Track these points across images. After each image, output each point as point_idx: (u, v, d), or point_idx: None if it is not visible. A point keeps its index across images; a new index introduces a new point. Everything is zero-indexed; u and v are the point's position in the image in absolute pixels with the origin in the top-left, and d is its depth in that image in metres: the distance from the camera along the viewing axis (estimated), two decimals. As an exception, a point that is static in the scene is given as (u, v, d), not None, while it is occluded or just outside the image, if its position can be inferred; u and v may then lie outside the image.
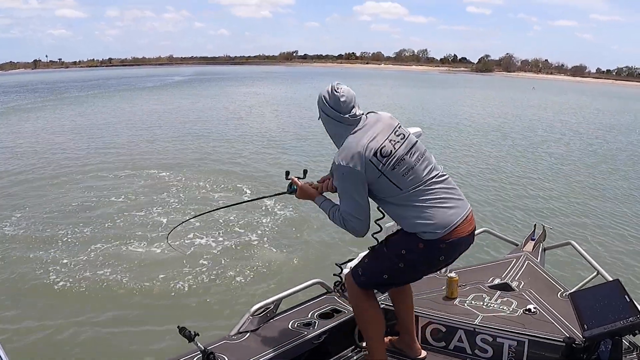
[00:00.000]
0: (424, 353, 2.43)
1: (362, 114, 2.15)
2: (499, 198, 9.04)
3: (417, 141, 2.18)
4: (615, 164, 12.61)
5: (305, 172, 2.46)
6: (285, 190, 2.43)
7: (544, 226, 4.03)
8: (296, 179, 2.37)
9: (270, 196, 2.71)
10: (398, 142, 2.11)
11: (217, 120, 19.54)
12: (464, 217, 2.13)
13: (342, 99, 2.10)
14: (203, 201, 7.96)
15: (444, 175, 2.18)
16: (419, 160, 2.12)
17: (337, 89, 2.11)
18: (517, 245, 3.90)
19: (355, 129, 2.11)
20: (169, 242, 4.67)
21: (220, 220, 6.86)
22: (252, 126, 18.15)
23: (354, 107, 2.13)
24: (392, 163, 2.06)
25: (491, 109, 27.48)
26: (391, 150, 2.07)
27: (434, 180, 2.12)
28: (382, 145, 2.07)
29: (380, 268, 2.23)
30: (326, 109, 2.13)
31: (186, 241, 6.16)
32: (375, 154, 2.05)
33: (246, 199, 3.02)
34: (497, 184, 10.10)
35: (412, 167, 2.09)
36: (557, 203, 8.72)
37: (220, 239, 6.35)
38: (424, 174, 2.11)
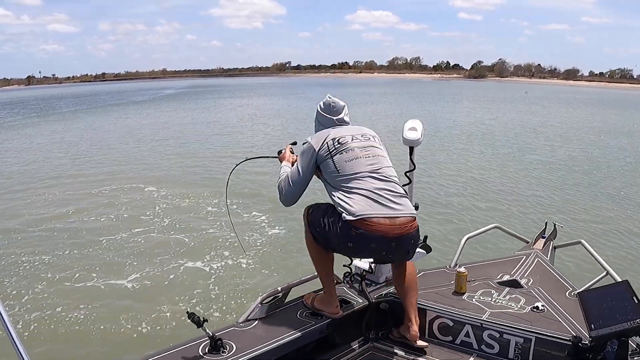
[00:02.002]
0: (422, 343, 2.44)
1: (348, 122, 2.52)
2: (512, 196, 9.03)
3: (377, 147, 2.43)
4: (629, 165, 12.47)
5: (294, 143, 2.79)
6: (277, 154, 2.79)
7: (555, 224, 4.02)
8: (288, 147, 2.75)
9: (268, 157, 3.04)
10: (358, 139, 2.40)
11: (205, 134, 18.81)
12: (389, 217, 2.21)
13: (332, 104, 2.50)
14: (191, 217, 7.79)
15: (389, 177, 2.33)
16: (367, 156, 2.35)
17: (330, 97, 2.52)
18: (527, 242, 3.90)
19: (331, 128, 2.46)
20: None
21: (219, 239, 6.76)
22: (241, 140, 17.30)
23: (341, 114, 2.50)
24: (342, 149, 2.34)
25: (491, 114, 27.16)
26: (347, 141, 2.36)
27: (372, 175, 2.30)
28: (343, 136, 2.39)
29: (318, 218, 2.37)
30: (319, 115, 2.52)
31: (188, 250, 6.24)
32: (333, 140, 2.37)
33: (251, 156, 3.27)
34: (511, 182, 10.10)
35: (356, 158, 2.32)
36: (569, 202, 8.68)
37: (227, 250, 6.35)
38: (365, 167, 2.31)
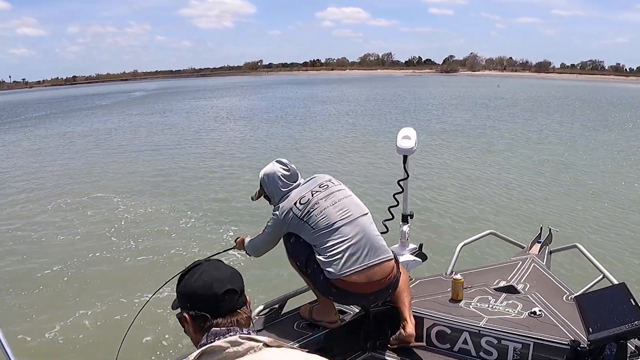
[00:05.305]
0: (418, 343, 2.47)
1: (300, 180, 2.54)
2: (506, 201, 9.03)
3: (336, 190, 2.45)
4: (624, 166, 12.53)
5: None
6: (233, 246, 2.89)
7: (550, 229, 4.02)
8: (243, 236, 2.82)
9: (225, 251, 3.10)
10: (318, 191, 2.43)
11: (174, 140, 17.46)
12: (367, 267, 2.31)
13: (295, 170, 2.53)
14: (164, 233, 7.26)
15: (358, 217, 2.38)
16: (334, 204, 2.38)
17: (287, 163, 2.52)
18: (523, 247, 3.89)
19: (292, 191, 2.47)
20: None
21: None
22: (213, 144, 16.25)
23: (299, 176, 2.54)
24: (308, 207, 2.37)
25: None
26: (309, 199, 2.40)
27: (345, 223, 2.34)
28: (303, 195, 2.42)
29: (300, 255, 2.42)
30: (280, 180, 2.48)
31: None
32: (295, 203, 2.40)
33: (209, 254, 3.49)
34: (504, 188, 10.10)
35: (324, 208, 2.36)
36: (563, 206, 8.68)
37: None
38: (336, 218, 2.34)
